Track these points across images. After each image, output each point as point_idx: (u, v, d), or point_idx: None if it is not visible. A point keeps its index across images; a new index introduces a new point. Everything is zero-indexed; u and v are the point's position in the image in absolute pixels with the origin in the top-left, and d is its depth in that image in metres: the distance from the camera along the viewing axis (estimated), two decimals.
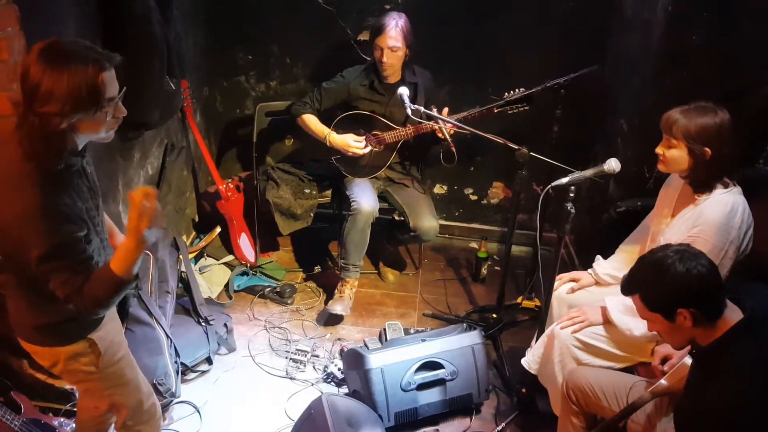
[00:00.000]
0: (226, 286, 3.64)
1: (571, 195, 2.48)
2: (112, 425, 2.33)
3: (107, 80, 1.61)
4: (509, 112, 3.12)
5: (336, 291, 3.44)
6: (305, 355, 3.14)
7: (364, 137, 3.36)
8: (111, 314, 2.02)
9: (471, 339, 2.87)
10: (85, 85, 1.56)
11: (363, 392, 2.72)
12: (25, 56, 1.58)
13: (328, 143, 3.34)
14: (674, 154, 2.25)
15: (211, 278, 3.65)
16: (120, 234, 2.17)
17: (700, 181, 2.27)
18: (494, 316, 3.40)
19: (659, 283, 1.75)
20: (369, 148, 3.36)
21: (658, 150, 2.30)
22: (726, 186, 2.25)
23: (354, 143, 3.31)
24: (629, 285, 1.86)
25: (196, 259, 3.75)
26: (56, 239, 1.62)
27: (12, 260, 1.73)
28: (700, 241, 2.17)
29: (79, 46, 1.59)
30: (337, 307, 3.33)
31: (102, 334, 1.93)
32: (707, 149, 2.18)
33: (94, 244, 1.74)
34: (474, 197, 4.22)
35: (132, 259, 1.69)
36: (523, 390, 2.87)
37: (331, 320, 3.38)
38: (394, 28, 3.14)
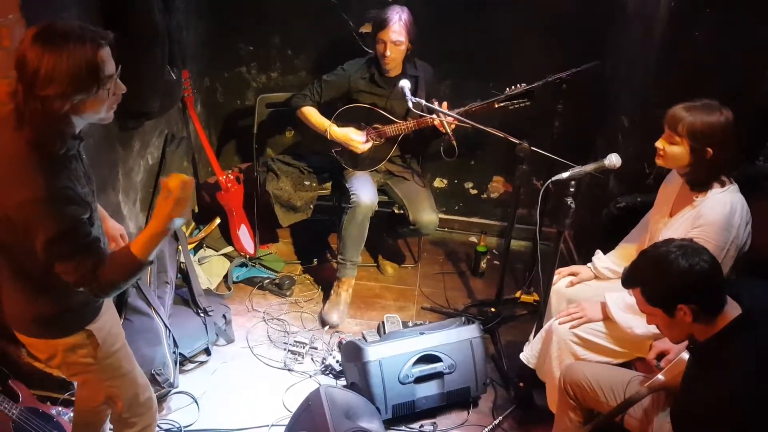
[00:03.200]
0: (225, 277, 3.64)
1: (571, 190, 2.48)
2: (108, 416, 2.33)
3: (105, 57, 1.60)
4: (510, 108, 3.12)
5: (332, 292, 3.43)
6: (303, 347, 3.14)
7: (365, 131, 3.35)
8: (107, 304, 2.02)
9: (469, 333, 2.87)
10: (85, 64, 1.55)
11: (361, 384, 2.72)
12: (20, 43, 1.57)
13: (328, 136, 3.32)
14: (675, 151, 2.24)
15: (210, 269, 3.65)
16: (111, 219, 2.17)
17: (698, 180, 2.27)
18: (493, 310, 3.42)
19: (661, 278, 1.75)
20: (369, 143, 3.36)
21: (659, 144, 2.30)
22: (723, 185, 2.25)
23: (355, 137, 3.30)
24: (630, 278, 1.86)
25: (196, 249, 3.75)
26: (63, 223, 1.61)
27: (12, 250, 1.73)
28: (701, 242, 2.17)
29: (73, 26, 1.58)
30: (332, 316, 3.33)
31: (99, 325, 1.92)
32: (709, 149, 2.18)
33: (95, 227, 1.74)
34: (474, 191, 4.22)
35: (156, 243, 1.72)
36: (521, 384, 2.88)
37: (327, 325, 3.36)
38: (398, 21, 3.12)
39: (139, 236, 1.72)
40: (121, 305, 2.81)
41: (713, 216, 2.21)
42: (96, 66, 1.58)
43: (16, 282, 1.81)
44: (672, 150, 2.25)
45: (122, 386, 2.06)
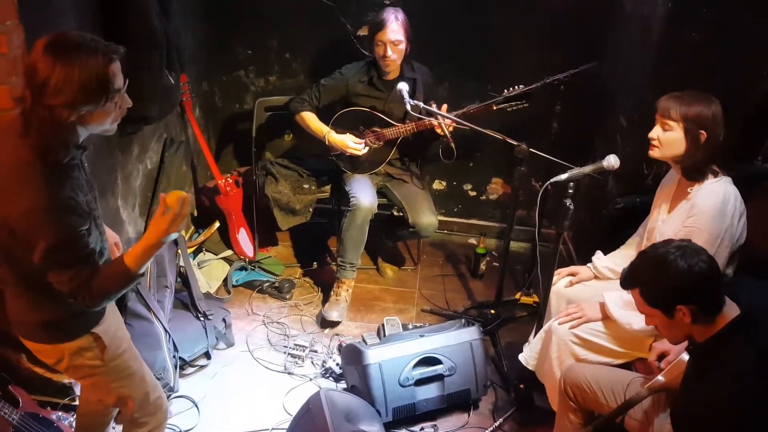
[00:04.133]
0: (225, 281, 3.64)
1: (570, 191, 2.48)
2: (113, 419, 2.33)
3: (116, 71, 1.63)
4: (508, 109, 3.12)
5: (332, 292, 3.43)
6: (303, 350, 3.14)
7: (363, 136, 3.35)
8: (111, 307, 2.03)
9: (469, 335, 2.87)
10: (95, 77, 1.57)
11: (361, 387, 2.72)
12: (31, 51, 1.58)
13: (327, 142, 3.33)
14: (670, 137, 2.27)
15: (210, 273, 3.65)
16: (106, 227, 2.17)
17: (694, 167, 2.29)
18: (492, 311, 3.41)
19: (660, 279, 1.76)
20: (367, 149, 3.36)
21: (652, 134, 2.32)
22: (716, 175, 2.28)
23: (353, 144, 3.30)
24: (629, 279, 1.86)
25: (195, 253, 3.74)
26: (63, 233, 1.62)
27: (14, 256, 1.73)
28: (696, 231, 2.19)
29: (85, 38, 1.60)
30: (333, 314, 3.33)
31: (105, 327, 1.93)
32: (703, 131, 2.21)
33: (93, 236, 1.74)
34: (473, 193, 4.22)
35: (150, 256, 1.74)
36: (521, 386, 2.88)
37: (327, 323, 3.37)
38: (395, 21, 3.14)
39: (133, 248, 1.73)
40: (121, 310, 2.80)
41: (707, 205, 2.23)
42: (106, 79, 1.60)
43: (20, 289, 1.82)
44: (667, 137, 2.27)
45: (131, 386, 2.07)
